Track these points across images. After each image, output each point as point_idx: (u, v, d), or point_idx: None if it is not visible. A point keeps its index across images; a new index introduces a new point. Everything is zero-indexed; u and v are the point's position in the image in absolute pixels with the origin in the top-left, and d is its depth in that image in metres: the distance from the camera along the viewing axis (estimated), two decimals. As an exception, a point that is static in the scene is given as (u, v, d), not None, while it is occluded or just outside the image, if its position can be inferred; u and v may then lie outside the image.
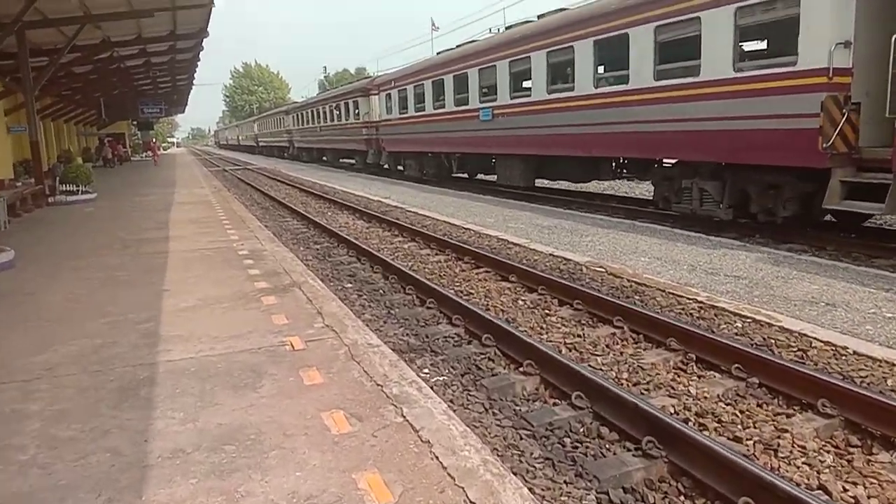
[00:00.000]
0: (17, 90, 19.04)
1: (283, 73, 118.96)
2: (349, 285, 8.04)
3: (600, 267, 8.08)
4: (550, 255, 9.02)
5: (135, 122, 50.56)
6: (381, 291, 7.71)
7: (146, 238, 11.09)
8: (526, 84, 15.26)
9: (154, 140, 60.29)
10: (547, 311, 6.64)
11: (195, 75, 40.27)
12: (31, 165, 24.25)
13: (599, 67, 12.62)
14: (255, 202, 19.67)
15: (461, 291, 7.42)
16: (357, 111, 29.17)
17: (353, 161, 33.68)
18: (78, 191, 18.39)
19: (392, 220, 13.13)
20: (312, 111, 38.77)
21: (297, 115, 43.98)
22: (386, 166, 28.08)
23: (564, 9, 14.85)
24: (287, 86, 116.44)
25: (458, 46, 20.26)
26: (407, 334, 6.06)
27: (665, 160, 12.30)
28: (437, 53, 21.86)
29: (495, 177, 21.80)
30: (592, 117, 12.77)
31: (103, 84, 33.04)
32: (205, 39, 25.26)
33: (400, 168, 26.13)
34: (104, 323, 6.00)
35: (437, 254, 9.90)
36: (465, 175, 22.12)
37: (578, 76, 13.06)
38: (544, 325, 6.20)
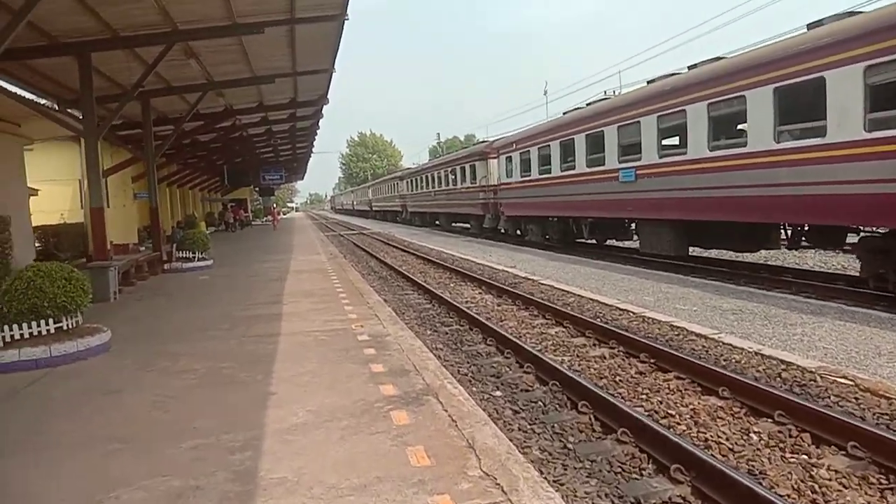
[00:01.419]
0: (141, 157, 19.15)
1: (395, 142, 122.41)
2: (497, 392, 6.23)
3: (843, 378, 5.86)
4: (757, 354, 6.85)
5: (256, 189, 52.31)
6: (542, 405, 5.83)
7: (257, 315, 9.90)
8: (677, 141, 13.30)
9: (275, 205, 62.42)
10: (808, 459, 4.47)
11: (314, 143, 41.14)
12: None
13: (784, 118, 10.48)
14: (371, 270, 18.52)
15: (656, 412, 5.42)
16: (474, 175, 28.04)
17: (467, 225, 32.48)
18: (195, 257, 17.95)
19: (525, 295, 11.34)
20: (427, 176, 38.27)
21: (411, 181, 43.77)
22: (504, 231, 26.57)
23: (720, 58, 12.94)
24: (399, 153, 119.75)
25: (588, 104, 18.66)
26: (607, 494, 4.10)
27: (872, 228, 9.92)
28: (564, 113, 20.32)
29: (636, 243, 19.79)
30: (771, 177, 10.59)
31: (226, 152, 34.01)
32: (324, 107, 25.37)
33: (519, 233, 24.55)
34: (189, 449, 4.51)
35: (596, 345, 7.95)
36: (594, 241, 20.13)
37: (753, 130, 10.97)
38: (817, 489, 4.04)
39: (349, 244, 30.84)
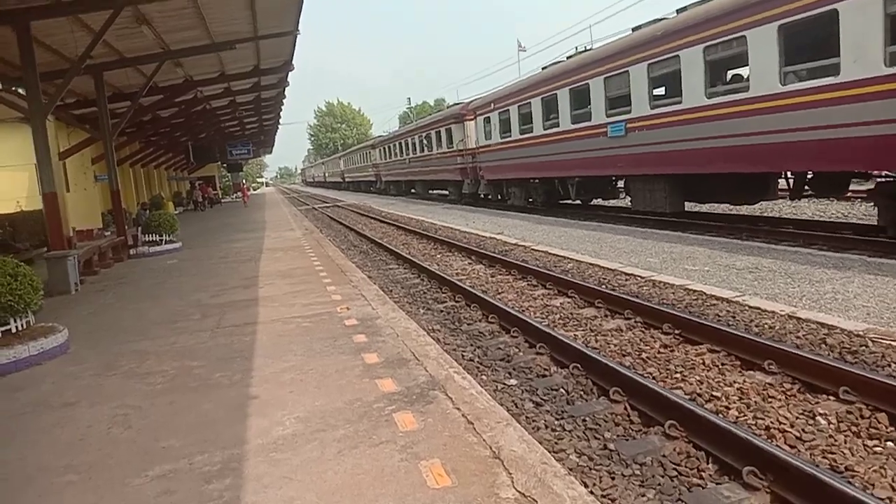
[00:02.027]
0: (99, 137, 17.87)
1: (364, 110, 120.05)
2: (512, 381, 5.45)
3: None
4: (792, 318, 6.17)
5: (224, 165, 50.68)
6: (565, 393, 5.06)
7: (231, 301, 9.03)
8: (670, 91, 12.49)
9: (244, 181, 60.78)
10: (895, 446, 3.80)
11: (281, 114, 39.65)
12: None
13: (790, 58, 9.72)
14: (350, 244, 17.62)
15: (698, 395, 4.68)
16: (450, 139, 27.03)
17: (445, 192, 31.54)
18: (162, 240, 16.88)
19: (519, 263, 10.57)
20: (400, 143, 37.11)
21: (384, 149, 42.56)
22: (484, 196, 25.75)
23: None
24: (369, 122, 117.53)
25: (568, 58, 17.74)
26: (675, 510, 3.36)
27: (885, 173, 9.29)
28: (544, 68, 19.38)
29: (623, 202, 19.13)
30: (777, 122, 9.87)
31: (190, 127, 32.52)
32: (289, 74, 24.06)
33: (501, 197, 23.77)
34: (156, 479, 3.73)
35: (609, 316, 7.21)
36: (579, 202, 19.42)
37: (756, 73, 10.20)
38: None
39: (324, 218, 29.80)
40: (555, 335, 6.15)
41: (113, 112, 18.91)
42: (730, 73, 12.15)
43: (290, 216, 28.13)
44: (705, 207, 15.99)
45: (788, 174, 11.37)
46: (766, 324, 6.17)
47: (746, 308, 6.70)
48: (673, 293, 7.72)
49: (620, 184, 17.29)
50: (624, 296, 7.51)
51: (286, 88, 27.47)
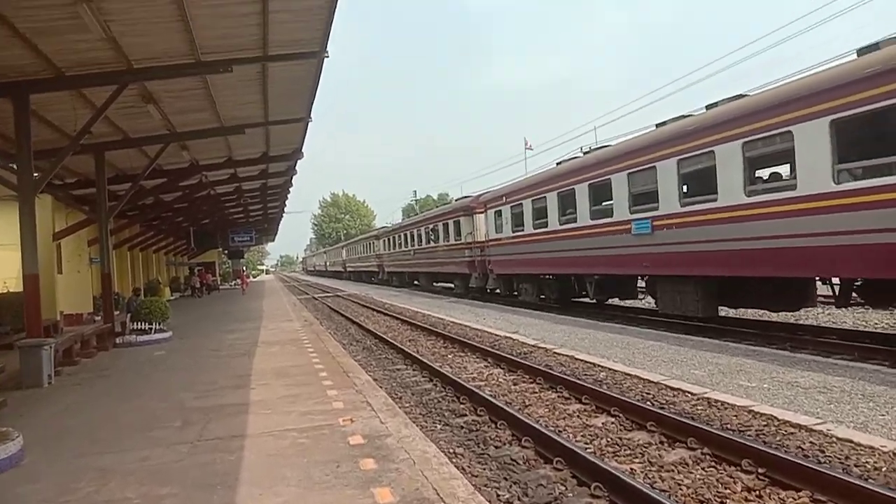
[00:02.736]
0: (94, 218, 17.12)
1: (368, 202, 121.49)
2: None
3: None
4: (901, 456, 5.05)
5: (225, 251, 50.12)
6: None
7: (218, 405, 7.89)
8: (702, 188, 11.76)
9: (244, 268, 60.07)
10: None
11: (286, 202, 39.40)
12: (114, 298, 22.40)
13: (844, 155, 8.99)
14: (352, 339, 16.48)
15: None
16: (458, 231, 26.39)
17: (451, 285, 30.61)
18: (151, 329, 15.76)
19: (542, 369, 9.46)
20: (406, 234, 36.58)
21: (388, 239, 42.06)
22: (491, 291, 24.81)
23: (741, 96, 11.59)
24: (373, 213, 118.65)
25: (587, 153, 17.26)
26: None
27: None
28: (558, 163, 18.93)
29: (641, 303, 18.16)
30: (828, 224, 9.04)
31: (193, 212, 32.05)
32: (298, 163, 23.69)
33: (511, 293, 22.82)
34: None
35: (666, 444, 6.03)
36: (594, 301, 18.45)
37: (805, 170, 9.46)
38: None
39: (324, 308, 28.72)
40: (608, 469, 4.99)
41: (113, 193, 18.30)
42: (770, 171, 11.47)
43: (289, 305, 27.09)
44: (735, 312, 14.98)
45: (835, 280, 10.44)
46: (867, 463, 5.03)
47: (835, 440, 5.56)
48: (736, 416, 6.57)
49: (641, 283, 16.37)
50: (679, 418, 6.38)
51: (293, 177, 27.19)
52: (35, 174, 11.43)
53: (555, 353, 11.14)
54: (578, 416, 7.21)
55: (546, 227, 17.72)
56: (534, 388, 8.81)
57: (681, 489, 4.87)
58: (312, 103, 15.82)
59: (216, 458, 5.73)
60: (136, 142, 16.28)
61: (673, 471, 5.30)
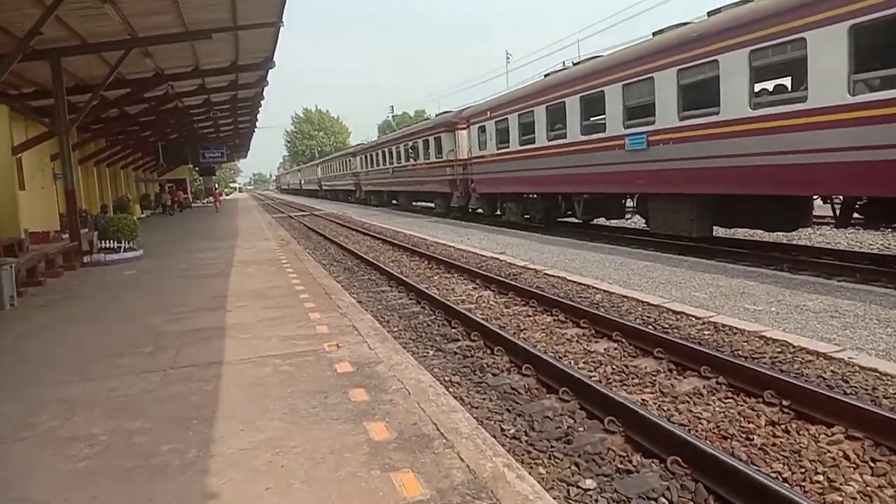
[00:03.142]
0: (55, 131, 15.98)
1: (342, 118, 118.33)
2: (589, 482, 3.81)
3: None
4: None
5: (196, 168, 48.58)
6: None
7: (192, 329, 7.35)
8: (703, 100, 11.10)
9: (216, 186, 58.60)
10: None
11: (258, 117, 37.85)
12: (81, 215, 21.46)
13: (857, 64, 8.35)
14: (332, 259, 15.92)
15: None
16: (440, 148, 25.48)
17: (432, 205, 29.94)
18: (120, 247, 15.03)
19: (534, 290, 9.04)
20: (384, 151, 35.46)
21: (366, 157, 40.88)
22: (473, 210, 24.24)
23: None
24: (347, 130, 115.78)
25: (576, 64, 16.36)
26: None
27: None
28: (546, 75, 17.99)
29: (627, 222, 17.76)
30: (845, 139, 8.50)
31: (160, 126, 30.61)
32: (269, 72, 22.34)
33: (494, 212, 22.30)
34: None
35: (676, 372, 5.66)
36: (580, 221, 18.00)
37: (818, 80, 8.83)
38: None
39: (301, 227, 28.01)
40: (624, 403, 4.59)
41: (74, 105, 17.09)
42: (775, 83, 10.83)
43: (265, 224, 26.32)
44: (726, 232, 14.64)
45: (837, 199, 10.04)
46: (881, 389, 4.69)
47: (858, 369, 5.22)
48: (746, 342, 6.21)
49: (629, 202, 15.91)
50: (688, 343, 6.00)
51: (265, 89, 25.81)
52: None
53: (545, 274, 10.72)
54: (578, 341, 6.82)
55: (533, 143, 17.00)
56: (527, 310, 8.39)
57: (700, 423, 4.50)
58: (284, 5, 14.62)
59: (191, 387, 5.24)
60: (95, 47, 14.99)
61: (688, 402, 4.93)
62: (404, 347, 6.58)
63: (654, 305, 7.85)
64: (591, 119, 14.64)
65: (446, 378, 5.85)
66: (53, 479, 3.66)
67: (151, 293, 10.13)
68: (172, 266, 13.32)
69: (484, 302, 9.23)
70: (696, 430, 4.37)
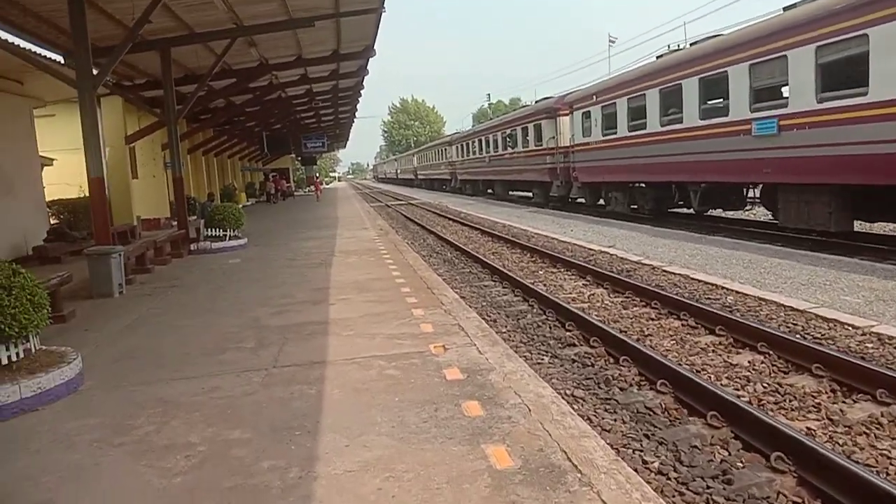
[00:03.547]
0: (165, 120, 16.42)
1: (437, 108, 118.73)
2: None
3: None
4: None
5: (298, 158, 49.83)
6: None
7: (295, 323, 7.10)
8: (851, 80, 9.83)
9: (317, 175, 60.00)
10: None
11: (357, 107, 38.20)
12: (190, 203, 22.21)
13: None
14: (431, 250, 15.56)
15: None
16: (539, 135, 24.62)
17: (529, 194, 29.13)
18: (226, 235, 15.26)
19: (654, 290, 8.25)
20: (480, 140, 34.89)
21: (462, 146, 40.44)
22: (574, 200, 23.29)
23: None
24: (442, 119, 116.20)
25: (693, 44, 15.14)
26: None
27: None
28: (658, 56, 16.84)
29: (754, 213, 16.42)
30: None
31: (264, 116, 31.35)
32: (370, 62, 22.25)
33: (596, 202, 21.30)
34: None
35: (845, 395, 4.81)
36: (692, 212, 16.80)
37: None
38: None
39: (398, 216, 27.96)
40: (792, 435, 3.83)
41: (183, 95, 17.53)
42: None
43: (363, 213, 26.41)
44: (862, 227, 13.14)
45: None
46: None
47: None
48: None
49: (751, 192, 14.63)
50: (852, 360, 5.11)
51: (365, 78, 25.82)
52: (95, 71, 10.57)
53: (664, 271, 9.85)
54: (715, 351, 6.02)
55: (644, 129, 15.93)
56: (649, 313, 7.61)
57: (892, 464, 3.69)
58: (386, -10, 14.30)
59: (293, 391, 4.90)
60: (202, 37, 15.24)
61: (866, 434, 4.11)
62: (516, 352, 6.03)
63: (798, 311, 6.90)
64: (712, 102, 13.47)
65: (568, 392, 5.24)
66: (146, 498, 3.36)
67: (255, 283, 10.05)
68: (276, 255, 13.34)
69: (598, 301, 8.51)
70: (889, 474, 3.57)
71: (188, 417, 4.48)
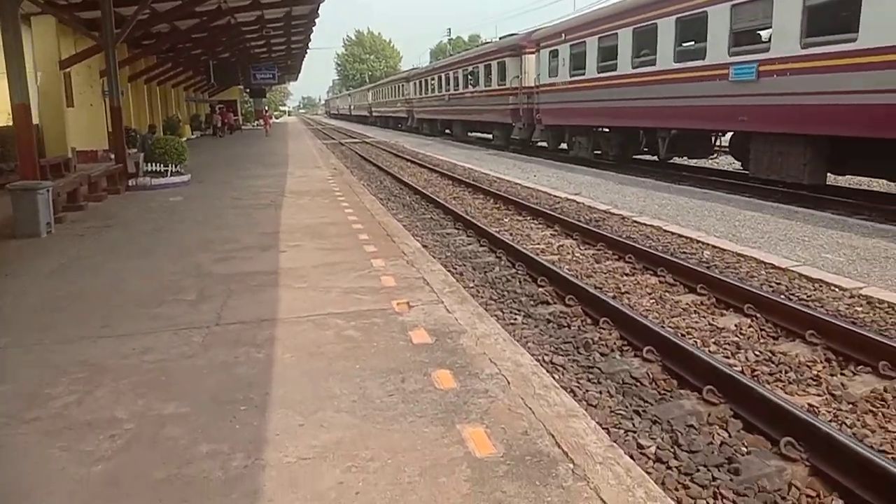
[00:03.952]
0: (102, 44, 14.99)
1: (394, 42, 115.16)
2: None
3: None
4: None
5: (247, 90, 47.61)
6: None
7: (242, 272, 6.45)
8: (839, 23, 9.37)
9: (266, 109, 57.68)
10: None
11: (311, 37, 36.32)
12: (130, 134, 20.82)
13: None
14: (389, 193, 14.84)
15: None
16: (503, 74, 23.72)
17: (489, 136, 28.38)
18: (167, 171, 14.22)
19: (626, 242, 7.85)
20: (440, 77, 33.66)
21: (420, 83, 39.09)
22: (541, 144, 22.69)
23: None
24: (399, 55, 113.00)
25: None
26: None
27: None
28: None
29: (720, 162, 16.14)
30: None
31: (212, 44, 29.49)
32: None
33: (559, 146, 20.76)
34: None
35: (842, 365, 4.46)
36: (657, 159, 16.44)
37: None
38: None
39: (353, 155, 26.93)
40: (801, 416, 3.44)
41: (124, 17, 16.03)
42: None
43: (316, 150, 25.31)
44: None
45: None
46: None
47: None
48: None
49: (719, 140, 14.30)
50: (846, 326, 4.77)
51: (321, 5, 24.30)
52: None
53: (635, 221, 9.44)
54: (697, 312, 5.63)
55: (615, 70, 15.29)
56: (623, 267, 7.18)
57: (911, 453, 3.34)
58: None
59: (239, 354, 4.31)
60: (140, -49, 13.82)
61: (873, 412, 3.75)
62: (487, 310, 5.52)
63: (780, 269, 6.56)
64: (688, 45, 12.91)
65: (546, 358, 4.75)
66: (59, 493, 2.77)
67: (197, 225, 9.27)
68: (221, 193, 12.47)
69: (567, 253, 8.05)
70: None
71: (115, 386, 3.86)
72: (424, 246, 8.27)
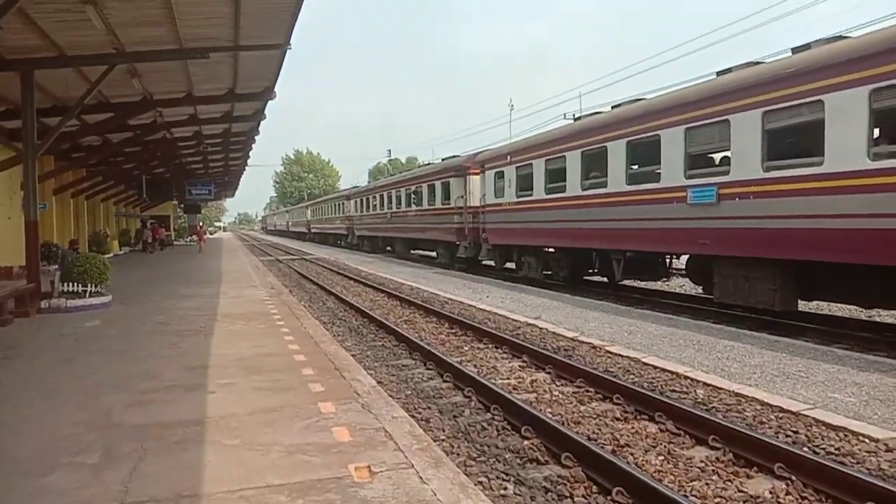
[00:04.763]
0: (18, 151, 13.88)
1: (333, 161, 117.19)
2: None
3: None
4: None
5: (181, 205, 46.43)
6: None
7: (159, 422, 5.25)
8: (803, 148, 9.31)
9: (201, 225, 56.31)
10: None
11: (250, 154, 35.95)
12: (51, 249, 19.24)
13: None
14: (333, 316, 13.73)
15: None
16: (447, 194, 23.58)
17: (433, 254, 27.91)
18: (86, 291, 12.79)
19: (608, 378, 7.00)
20: (381, 195, 33.56)
21: (361, 200, 38.97)
22: (486, 263, 22.24)
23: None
24: (337, 173, 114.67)
25: (615, 107, 14.62)
26: None
27: None
28: (576, 118, 16.30)
29: (662, 285, 15.84)
30: None
31: (146, 158, 28.53)
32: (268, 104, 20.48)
33: (507, 266, 20.30)
34: None
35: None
36: (607, 281, 16.10)
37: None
38: None
39: (292, 273, 25.81)
40: None
41: (49, 128, 15.03)
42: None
43: (251, 268, 24.11)
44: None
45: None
46: None
47: None
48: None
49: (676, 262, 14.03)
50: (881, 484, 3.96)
51: (261, 123, 23.95)
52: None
53: (608, 352, 8.63)
54: (717, 472, 4.69)
55: (564, 192, 15.11)
56: (612, 410, 6.25)
57: None
58: (294, 25, 12.79)
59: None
60: (73, 60, 13.03)
61: None
62: (470, 476, 4.46)
63: (791, 413, 5.77)
64: (641, 167, 12.82)
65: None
66: None
67: (113, 356, 7.94)
68: (145, 317, 11.13)
69: (544, 391, 7.09)
70: None
71: None
72: (380, 382, 7.20)
